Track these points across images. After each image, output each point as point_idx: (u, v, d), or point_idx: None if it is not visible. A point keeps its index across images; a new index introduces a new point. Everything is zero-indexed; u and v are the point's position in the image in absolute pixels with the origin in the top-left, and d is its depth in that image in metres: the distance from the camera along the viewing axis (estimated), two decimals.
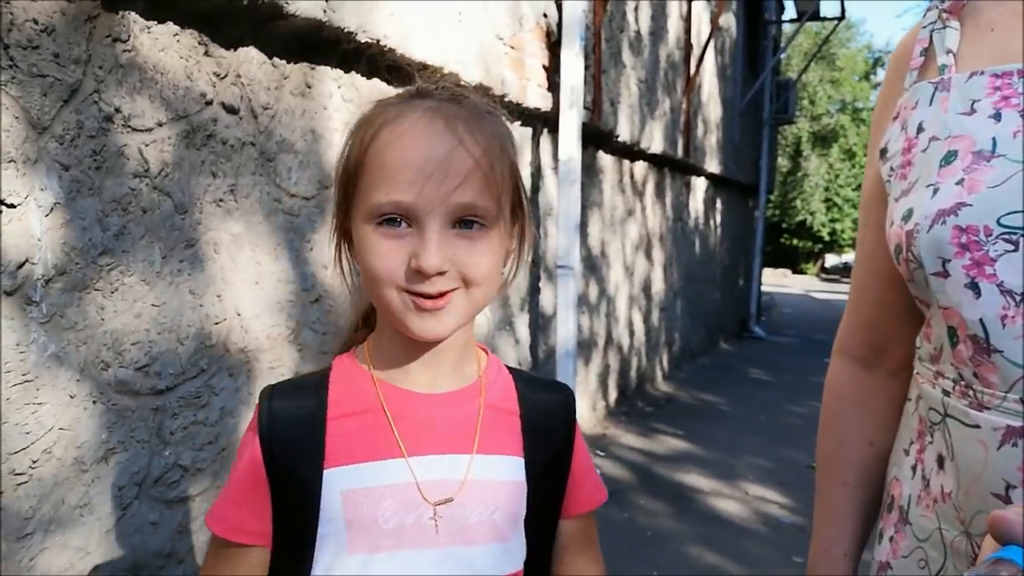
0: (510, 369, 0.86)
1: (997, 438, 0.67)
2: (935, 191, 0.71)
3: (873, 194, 0.89)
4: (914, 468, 0.81)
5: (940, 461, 0.76)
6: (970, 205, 0.68)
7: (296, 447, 0.74)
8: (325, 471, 0.73)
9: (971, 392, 0.70)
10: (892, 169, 0.81)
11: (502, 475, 0.79)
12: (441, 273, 0.68)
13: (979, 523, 0.70)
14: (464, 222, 0.70)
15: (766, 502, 3.81)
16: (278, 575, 0.77)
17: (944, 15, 0.80)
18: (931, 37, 0.81)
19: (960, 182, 0.70)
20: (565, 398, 0.87)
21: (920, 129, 0.77)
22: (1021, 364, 0.66)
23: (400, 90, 0.76)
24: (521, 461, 0.80)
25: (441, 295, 0.69)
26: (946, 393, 0.74)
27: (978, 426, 0.69)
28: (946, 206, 0.69)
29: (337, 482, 0.73)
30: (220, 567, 0.79)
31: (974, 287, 0.68)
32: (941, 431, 0.75)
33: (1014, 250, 0.65)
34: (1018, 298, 0.66)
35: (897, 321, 0.89)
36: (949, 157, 0.72)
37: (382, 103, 0.74)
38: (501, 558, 0.78)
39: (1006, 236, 0.66)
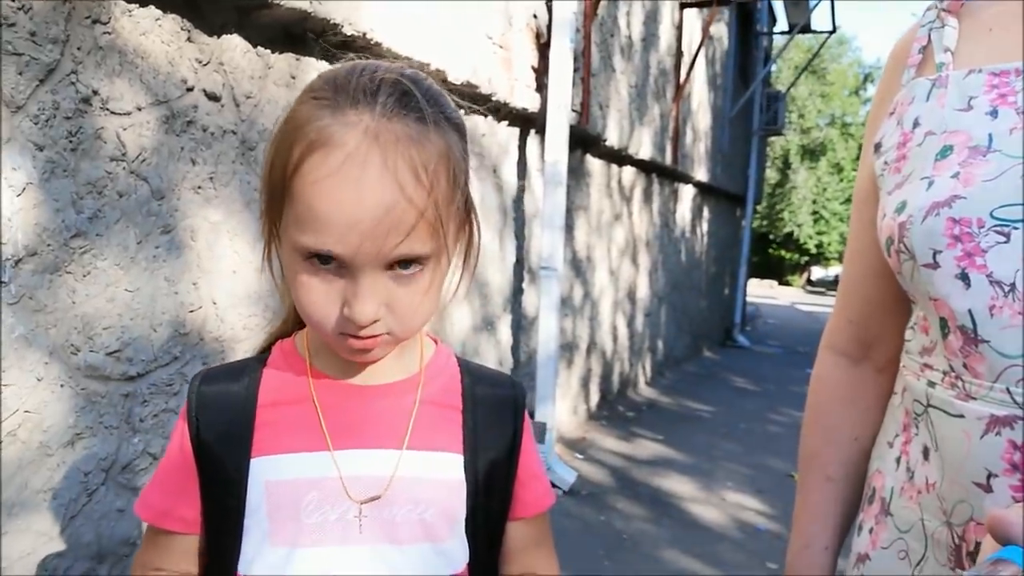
0: (460, 360, 0.82)
1: (981, 427, 0.68)
2: (930, 184, 0.72)
3: (867, 192, 0.89)
4: (898, 460, 0.82)
5: (925, 452, 0.76)
6: (964, 198, 0.68)
7: (224, 434, 0.72)
8: (252, 460, 0.71)
9: (960, 383, 0.71)
10: (886, 163, 0.82)
11: (435, 473, 0.74)
12: (375, 320, 0.65)
13: (960, 513, 0.70)
14: (402, 262, 0.64)
15: (743, 508, 3.82)
16: (207, 564, 0.76)
17: (943, 14, 0.81)
18: (930, 35, 0.82)
19: (955, 176, 0.70)
20: (514, 394, 0.82)
21: (916, 124, 0.78)
22: (1008, 354, 0.67)
23: (340, 68, 0.67)
24: (460, 458, 0.76)
25: (372, 337, 0.66)
26: (931, 384, 0.74)
27: (962, 416, 0.70)
28: (940, 198, 0.70)
29: (261, 472, 0.71)
30: (152, 554, 0.77)
31: (964, 278, 0.68)
32: (925, 422, 0.75)
33: (1005, 242, 0.66)
34: (1007, 288, 0.66)
35: (886, 317, 0.89)
36: (945, 151, 0.73)
37: (313, 101, 0.65)
38: (433, 559, 0.74)
39: (998, 228, 0.66)
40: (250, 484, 0.71)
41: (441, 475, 0.75)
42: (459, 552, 0.76)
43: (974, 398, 0.69)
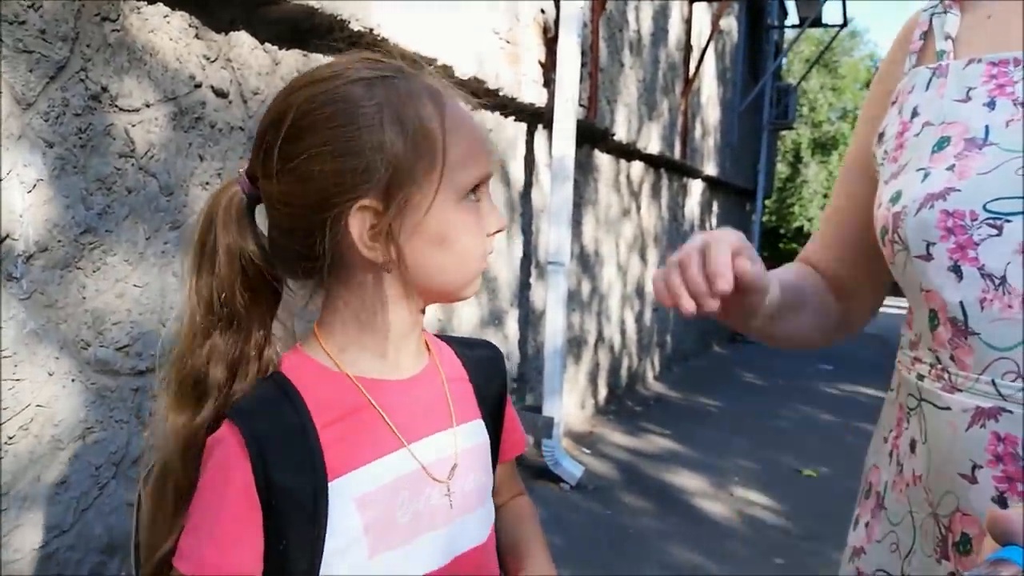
0: (441, 336, 0.88)
1: (967, 419, 0.68)
2: (926, 175, 0.72)
3: (856, 164, 0.91)
4: (891, 454, 0.83)
5: (912, 445, 0.77)
6: (959, 190, 0.69)
7: (295, 467, 0.68)
8: (330, 483, 0.68)
9: (946, 375, 0.71)
10: (886, 152, 0.82)
11: (476, 439, 0.82)
12: None
13: (946, 504, 0.71)
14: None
15: (751, 504, 3.82)
16: None
17: (947, 1, 0.81)
18: (931, 21, 0.82)
19: (951, 168, 0.71)
20: (495, 353, 0.91)
21: (915, 113, 0.78)
22: (997, 346, 0.67)
23: (365, 63, 0.71)
24: (481, 422, 0.83)
25: None
26: (920, 378, 0.75)
27: (949, 408, 0.70)
28: (935, 190, 0.70)
29: (347, 490, 0.69)
30: None
31: (956, 270, 0.69)
32: (917, 416, 0.76)
33: (997, 235, 0.66)
34: (998, 281, 0.66)
35: (850, 285, 0.94)
36: (942, 143, 0.73)
37: (393, 77, 0.70)
38: (487, 519, 0.82)
39: (991, 221, 0.67)
40: (332, 507, 0.68)
41: (478, 440, 0.82)
42: (493, 506, 0.84)
43: (960, 390, 0.70)
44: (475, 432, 0.82)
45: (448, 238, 0.70)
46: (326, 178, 0.67)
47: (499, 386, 0.89)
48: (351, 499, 0.69)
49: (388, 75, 0.70)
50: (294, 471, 0.67)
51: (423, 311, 0.77)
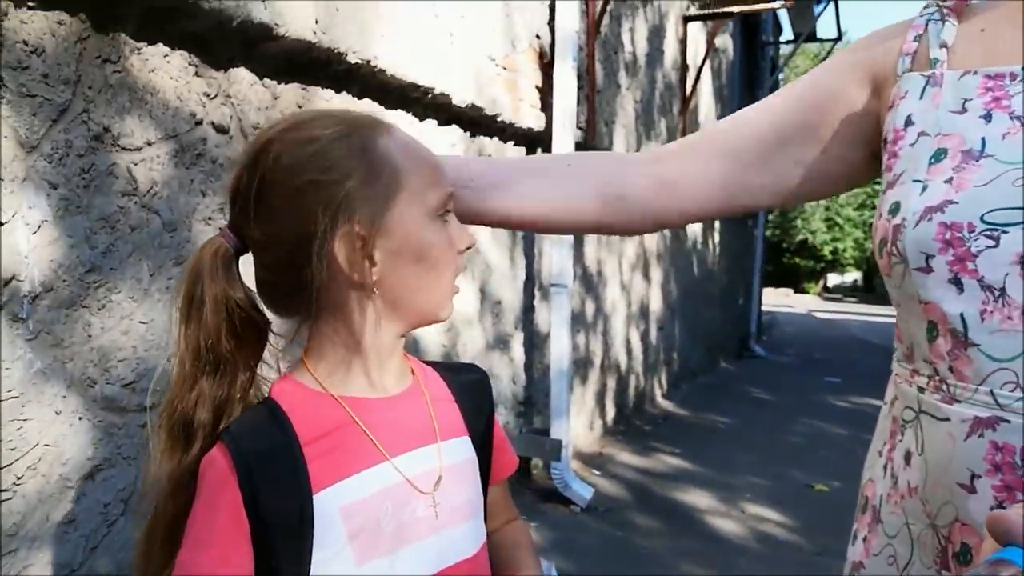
0: (425, 362, 0.92)
1: (965, 430, 0.69)
2: (924, 188, 0.73)
3: (801, 90, 0.90)
4: (885, 467, 0.83)
5: (907, 457, 0.77)
6: (956, 203, 0.70)
7: (281, 484, 0.72)
8: (315, 495, 0.72)
9: (945, 386, 0.72)
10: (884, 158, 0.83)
11: (462, 455, 0.85)
12: None
13: (945, 514, 0.71)
14: None
15: (763, 521, 3.79)
16: None
17: (945, 11, 0.82)
18: (927, 25, 0.82)
19: (949, 180, 0.71)
20: (482, 376, 0.95)
21: (909, 122, 0.79)
22: (996, 357, 0.68)
23: (323, 115, 0.79)
24: (468, 439, 0.87)
25: None
26: (921, 390, 0.75)
27: (948, 419, 0.71)
28: (934, 203, 0.71)
29: (331, 501, 0.73)
30: None
31: (957, 282, 0.69)
32: (913, 428, 0.76)
33: (995, 246, 0.67)
34: (998, 293, 0.67)
35: (690, 167, 0.92)
36: (939, 155, 0.74)
37: (349, 118, 0.78)
38: (477, 533, 0.84)
39: (988, 232, 0.68)
40: (318, 518, 0.72)
41: (465, 456, 0.85)
42: (483, 522, 0.87)
43: (959, 401, 0.70)
44: (461, 448, 0.85)
45: (425, 256, 0.76)
46: (306, 213, 0.72)
47: (487, 408, 0.92)
48: (336, 510, 0.73)
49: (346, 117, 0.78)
50: (280, 486, 0.72)
51: (403, 335, 0.81)
